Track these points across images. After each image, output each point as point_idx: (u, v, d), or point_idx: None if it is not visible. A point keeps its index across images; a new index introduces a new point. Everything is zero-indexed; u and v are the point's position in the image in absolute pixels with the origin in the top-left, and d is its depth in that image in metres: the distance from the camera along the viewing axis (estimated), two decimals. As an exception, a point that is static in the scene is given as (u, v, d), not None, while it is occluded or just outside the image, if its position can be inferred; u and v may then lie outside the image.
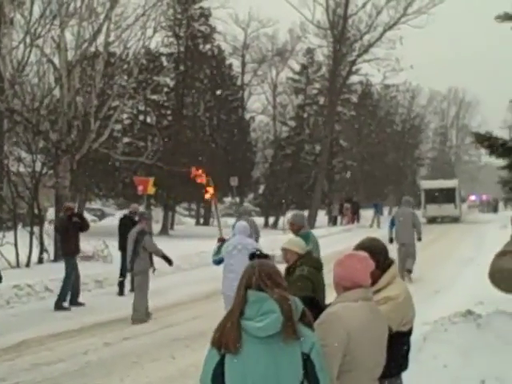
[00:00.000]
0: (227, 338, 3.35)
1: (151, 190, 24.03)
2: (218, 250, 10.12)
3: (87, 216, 42.49)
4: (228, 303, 9.40)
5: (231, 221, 22.98)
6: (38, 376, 8.73)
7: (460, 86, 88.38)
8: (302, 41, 49.65)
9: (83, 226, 14.56)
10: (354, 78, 50.15)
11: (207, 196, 13.57)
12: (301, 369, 3.34)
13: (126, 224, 15.38)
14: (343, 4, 42.03)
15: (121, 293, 15.51)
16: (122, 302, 14.07)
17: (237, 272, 7.95)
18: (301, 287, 5.92)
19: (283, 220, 36.54)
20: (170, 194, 37.15)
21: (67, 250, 14.27)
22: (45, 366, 9.23)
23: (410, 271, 16.57)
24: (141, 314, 12.29)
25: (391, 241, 16.59)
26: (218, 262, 10.10)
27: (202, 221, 47.38)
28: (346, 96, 53.26)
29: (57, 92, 22.71)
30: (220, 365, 3.38)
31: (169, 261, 13.12)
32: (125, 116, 38.10)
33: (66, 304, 13.76)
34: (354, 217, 44.35)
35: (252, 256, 3.70)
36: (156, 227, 37.40)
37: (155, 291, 15.43)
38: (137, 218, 14.77)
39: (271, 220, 48.10)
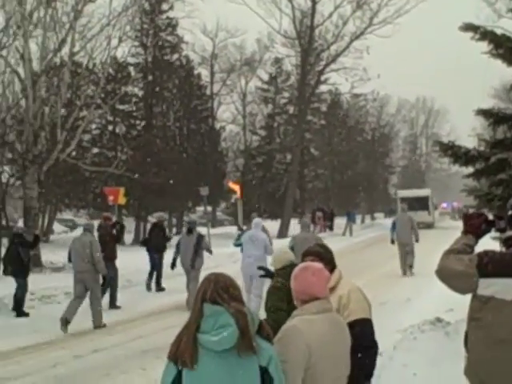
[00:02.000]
0: (183, 353, 3.30)
1: (122, 200, 23.80)
2: (239, 238, 14.19)
3: (58, 227, 42.24)
4: (246, 280, 13.10)
5: (204, 229, 22.83)
6: (3, 390, 8.47)
7: (428, 94, 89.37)
8: (269, 50, 49.90)
9: (120, 237, 16.30)
10: (322, 88, 50.48)
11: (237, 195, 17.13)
12: (258, 382, 3.29)
13: (154, 231, 18.20)
14: (309, 14, 42.14)
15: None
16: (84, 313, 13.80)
17: (253, 256, 13.07)
18: (273, 298, 5.98)
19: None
20: (141, 204, 36.90)
21: (111, 255, 15.07)
22: (12, 380, 8.94)
23: (411, 266, 19.25)
24: None
25: (393, 242, 19.69)
26: (238, 245, 14.09)
27: (174, 231, 47.10)
28: (316, 105, 53.42)
29: (23, 102, 22.42)
30: (177, 379, 3.33)
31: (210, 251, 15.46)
32: (93, 126, 37.86)
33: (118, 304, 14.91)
34: (326, 225, 44.43)
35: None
36: (128, 237, 37.06)
37: (124, 304, 15.40)
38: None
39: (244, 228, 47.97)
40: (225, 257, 21.89)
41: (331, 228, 44.65)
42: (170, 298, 16.05)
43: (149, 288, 17.40)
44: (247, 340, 3.27)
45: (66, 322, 12.23)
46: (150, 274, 17.51)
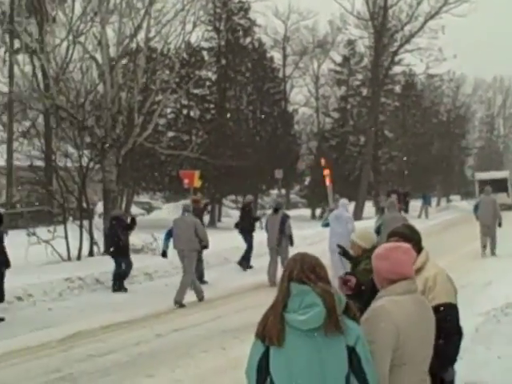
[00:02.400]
0: (270, 331, 3.34)
1: (197, 183, 24.09)
2: (326, 218, 15.24)
3: (135, 210, 43.07)
4: (333, 257, 13.23)
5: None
6: (91, 367, 8.74)
7: (506, 74, 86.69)
8: (342, 32, 49.46)
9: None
10: (396, 69, 49.78)
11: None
12: (346, 362, 3.30)
13: (243, 213, 19.47)
14: (383, -5, 41.57)
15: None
16: (171, 294, 14.11)
17: (339, 235, 13.68)
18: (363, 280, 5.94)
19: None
20: (216, 186, 37.26)
21: None
22: (97, 356, 9.24)
23: (493, 251, 19.43)
24: None
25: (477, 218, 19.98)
26: (326, 225, 15.09)
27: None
28: (390, 87, 52.77)
29: (101, 88, 22.88)
30: (264, 357, 3.38)
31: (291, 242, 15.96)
32: (168, 110, 38.34)
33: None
34: (401, 207, 43.90)
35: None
36: (204, 219, 37.61)
37: (212, 281, 15.99)
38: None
39: (318, 211, 47.90)
40: (300, 239, 21.94)
41: (406, 210, 44.09)
42: (249, 279, 16.46)
43: (243, 266, 18.41)
44: (334, 320, 3.28)
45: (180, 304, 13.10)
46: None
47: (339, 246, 7.24)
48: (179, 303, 13.10)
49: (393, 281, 3.74)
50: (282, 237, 15.67)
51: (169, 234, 13.83)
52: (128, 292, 14.77)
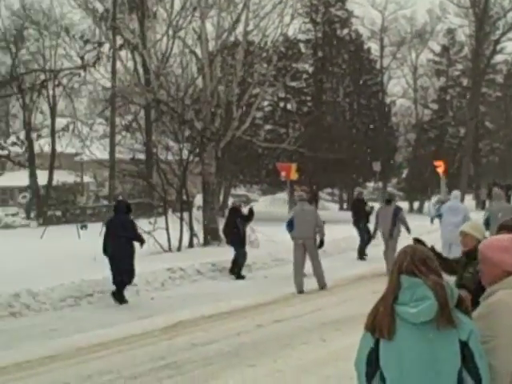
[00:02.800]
0: (381, 323, 3.27)
1: (294, 175, 24.18)
2: (438, 209, 16.02)
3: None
4: (445, 248, 13.49)
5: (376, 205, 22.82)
6: (194, 355, 8.89)
7: None
8: (441, 21, 48.37)
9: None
10: (498, 58, 48.19)
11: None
12: (459, 356, 3.20)
13: (356, 205, 20.29)
14: (485, -19, 40.38)
15: None
16: (270, 285, 14.22)
17: (453, 224, 13.48)
18: None
19: (428, 205, 35.74)
20: (312, 179, 37.19)
21: None
22: (200, 346, 9.38)
23: None
24: None
25: None
26: (438, 216, 15.53)
27: (345, 206, 47.08)
28: (491, 76, 51.14)
29: (199, 82, 23.22)
30: (374, 349, 3.31)
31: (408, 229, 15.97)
32: (266, 103, 38.51)
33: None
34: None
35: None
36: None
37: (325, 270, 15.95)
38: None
39: (416, 205, 47.10)
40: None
41: (509, 203, 42.78)
42: (348, 271, 16.45)
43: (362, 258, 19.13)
44: (447, 313, 3.19)
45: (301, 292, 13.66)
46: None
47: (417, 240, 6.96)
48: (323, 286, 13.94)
49: (510, 273, 3.62)
50: (394, 228, 15.94)
51: (290, 225, 14.13)
52: (228, 283, 14.96)
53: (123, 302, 12.54)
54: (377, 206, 19.79)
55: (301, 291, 13.66)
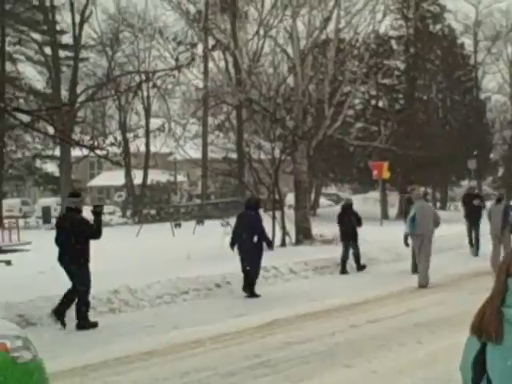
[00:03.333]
0: (488, 326, 3.09)
1: (386, 174, 23.90)
2: None
3: (323, 201, 43.42)
4: None
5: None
6: (289, 354, 8.91)
7: None
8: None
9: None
10: None
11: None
12: None
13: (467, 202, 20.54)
14: None
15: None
16: (363, 285, 14.11)
17: None
18: None
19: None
20: (405, 178, 36.64)
21: None
22: (295, 344, 9.40)
23: None
24: None
25: None
26: None
27: (438, 205, 46.21)
28: None
29: (290, 81, 23.27)
30: (481, 353, 3.15)
31: None
32: (357, 101, 38.19)
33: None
34: None
35: None
36: (392, 211, 37.12)
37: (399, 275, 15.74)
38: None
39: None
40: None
41: None
42: (445, 272, 16.12)
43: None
44: None
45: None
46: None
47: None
48: (424, 286, 14.11)
49: None
50: (504, 226, 16.29)
51: (413, 221, 14.47)
52: (321, 282, 14.96)
53: (253, 296, 13.18)
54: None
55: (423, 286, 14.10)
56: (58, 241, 10.97)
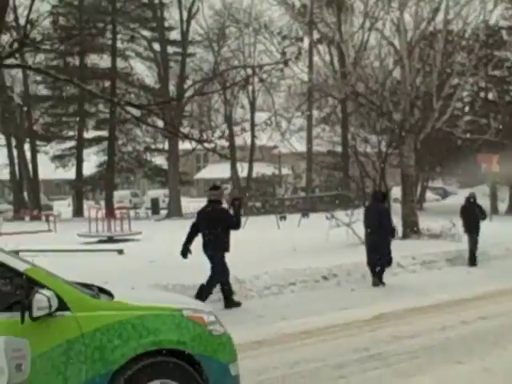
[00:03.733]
0: None
1: (496, 167, 23.27)
2: None
3: (429, 195, 42.64)
4: None
5: None
6: (398, 348, 8.87)
7: None
8: None
9: None
10: None
11: None
12: None
13: None
14: None
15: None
16: (473, 281, 13.85)
17: None
18: None
19: None
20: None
21: None
22: (404, 338, 9.34)
23: None
24: None
25: None
26: None
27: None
28: None
29: (396, 73, 23.02)
30: None
31: None
32: (465, 93, 37.31)
33: None
34: None
35: None
36: (502, 206, 36.13)
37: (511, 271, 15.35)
38: None
39: None
40: None
41: None
42: None
43: None
44: None
45: None
46: None
47: None
48: None
49: None
50: None
51: None
52: (429, 276, 14.80)
53: (380, 284, 13.58)
54: None
55: None
56: (194, 228, 11.78)
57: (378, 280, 13.65)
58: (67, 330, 4.83)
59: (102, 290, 5.59)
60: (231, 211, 11.96)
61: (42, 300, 4.60)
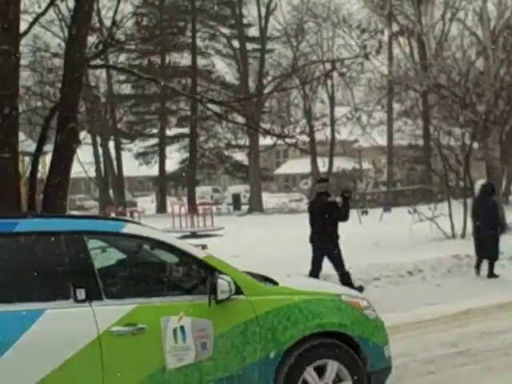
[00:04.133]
0: None
1: None
2: None
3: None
4: None
5: None
6: (487, 344, 8.76)
7: None
8: None
9: None
10: None
11: None
12: None
13: None
14: None
15: None
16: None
17: None
18: None
19: None
20: None
21: None
22: (493, 335, 9.21)
23: None
24: None
25: None
26: None
27: None
28: None
29: (479, 64, 22.60)
30: None
31: None
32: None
33: None
34: None
35: None
36: None
37: None
38: None
39: None
40: None
41: None
42: None
43: None
44: None
45: None
46: None
47: None
48: None
49: None
50: None
51: None
52: None
53: (493, 276, 13.49)
54: None
55: None
56: (311, 222, 11.96)
57: (490, 273, 13.56)
58: (244, 313, 5.31)
59: (265, 279, 5.97)
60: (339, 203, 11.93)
61: (223, 284, 5.07)
